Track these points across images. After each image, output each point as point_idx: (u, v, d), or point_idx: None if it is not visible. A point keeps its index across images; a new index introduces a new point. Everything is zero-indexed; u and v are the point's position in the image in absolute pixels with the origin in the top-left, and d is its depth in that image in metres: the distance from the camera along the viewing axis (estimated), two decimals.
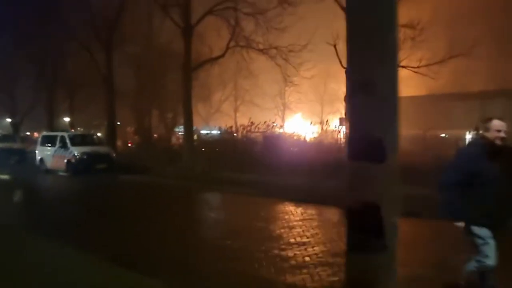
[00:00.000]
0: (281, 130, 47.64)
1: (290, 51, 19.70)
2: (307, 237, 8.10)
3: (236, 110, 50.04)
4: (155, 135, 34.33)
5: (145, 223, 9.76)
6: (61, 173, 20.27)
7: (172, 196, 14.69)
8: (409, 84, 51.89)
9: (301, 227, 9.02)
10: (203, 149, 22.68)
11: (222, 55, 20.42)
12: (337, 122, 51.80)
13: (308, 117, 53.59)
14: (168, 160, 21.78)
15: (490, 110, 46.86)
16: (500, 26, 42.92)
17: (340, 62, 15.04)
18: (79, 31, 24.47)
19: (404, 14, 14.62)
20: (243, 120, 51.04)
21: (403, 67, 14.10)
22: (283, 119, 52.01)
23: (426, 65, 14.21)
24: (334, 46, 14.81)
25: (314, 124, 43.73)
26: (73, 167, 19.38)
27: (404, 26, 14.07)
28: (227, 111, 49.95)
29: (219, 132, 40.23)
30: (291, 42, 19.72)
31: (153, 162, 22.14)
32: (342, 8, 14.37)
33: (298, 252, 7.07)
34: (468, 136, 48.70)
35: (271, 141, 27.84)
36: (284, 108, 52.61)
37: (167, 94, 32.83)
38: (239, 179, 17.10)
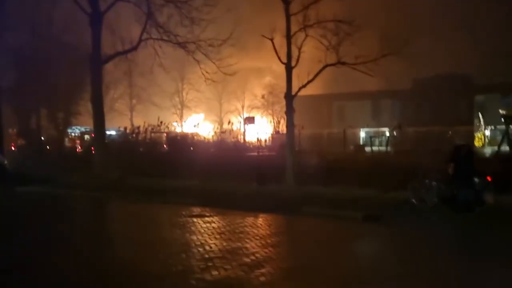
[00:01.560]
0: (180, 130, 46.41)
1: (210, 45, 18.25)
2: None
3: (132, 109, 46.96)
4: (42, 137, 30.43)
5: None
6: None
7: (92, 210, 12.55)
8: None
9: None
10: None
11: (134, 48, 18.32)
12: (236, 120, 51.14)
13: (207, 116, 52.74)
14: (72, 167, 19.09)
15: (380, 109, 50.22)
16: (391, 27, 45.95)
17: (279, 58, 14.09)
18: None
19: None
20: (139, 120, 48.48)
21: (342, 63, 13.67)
22: (181, 118, 50.22)
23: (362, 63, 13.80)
24: (271, 40, 13.82)
25: (213, 123, 42.60)
26: None
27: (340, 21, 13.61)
28: (121, 110, 46.60)
29: (116, 133, 37.48)
30: (214, 35, 18.32)
31: (51, 170, 19.31)
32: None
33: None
34: (362, 133, 51.23)
35: (178, 143, 26.69)
36: (182, 107, 50.83)
37: (57, 92, 29.29)
38: (163, 186, 15.47)
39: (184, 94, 50.08)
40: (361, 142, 48.05)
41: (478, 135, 44.09)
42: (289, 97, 14.30)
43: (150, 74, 46.24)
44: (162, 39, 18.34)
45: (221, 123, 53.71)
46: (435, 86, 45.08)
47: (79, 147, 34.62)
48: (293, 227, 10.18)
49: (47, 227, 9.68)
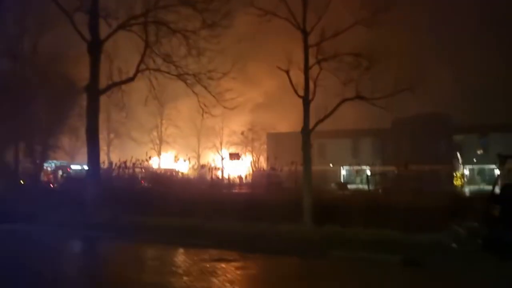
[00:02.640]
0: (158, 166, 45.07)
1: (210, 78, 17.55)
2: None
3: (109, 144, 45.39)
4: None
5: None
6: None
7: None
8: (289, 119, 53.15)
9: None
10: None
11: (132, 79, 17.42)
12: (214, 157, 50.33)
13: (184, 152, 51.59)
14: (61, 202, 17.63)
15: (360, 147, 50.42)
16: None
17: (295, 91, 13.48)
18: None
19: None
20: (115, 155, 46.88)
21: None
22: (159, 154, 48.89)
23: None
24: (287, 72, 13.24)
25: (189, 160, 41.79)
26: None
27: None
28: None
29: None
30: (213, 66, 17.59)
31: (32, 205, 17.84)
32: (301, 29, 12.98)
33: None
34: (343, 171, 51.10)
35: (161, 179, 26.02)
36: (161, 142, 49.62)
37: (37, 123, 27.85)
38: (162, 224, 14.33)
39: (163, 129, 49.00)
40: (342, 180, 47.97)
41: (457, 174, 44.67)
42: (306, 132, 13.66)
43: (128, 108, 45.63)
44: (160, 71, 17.54)
45: (199, 159, 52.95)
46: (415, 125, 45.73)
47: (53, 182, 32.97)
48: (336, 273, 9.14)
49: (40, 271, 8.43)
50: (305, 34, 13.10)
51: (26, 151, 28.44)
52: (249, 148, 53.10)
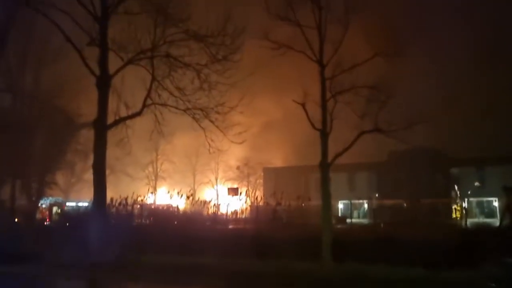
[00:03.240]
0: (154, 202, 44.26)
1: (217, 112, 17.34)
2: None
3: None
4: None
5: None
6: None
7: None
8: (277, 155, 53.00)
9: None
10: None
11: (138, 113, 17.15)
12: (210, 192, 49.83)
13: (178, 187, 50.88)
14: (61, 241, 16.91)
15: (356, 181, 50.25)
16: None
17: (312, 124, 13.28)
18: None
19: None
20: (109, 191, 45.98)
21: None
22: (155, 190, 48.19)
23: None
24: (303, 105, 13.08)
25: (187, 196, 41.03)
26: None
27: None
28: (91, 181, 44.11)
29: (88, 205, 35.01)
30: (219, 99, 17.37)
31: (33, 244, 17.15)
32: (317, 61, 12.88)
33: None
34: (340, 205, 50.70)
35: (161, 216, 25.47)
36: (156, 178, 49.03)
37: (32, 160, 27.29)
38: (176, 264, 13.74)
39: (158, 164, 48.52)
40: (339, 214, 47.46)
41: (456, 207, 44.46)
42: (325, 166, 13.39)
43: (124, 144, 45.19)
44: (168, 105, 17.32)
45: (194, 195, 52.15)
46: (411, 159, 45.77)
47: (47, 219, 32.07)
48: None
49: None
50: (322, 66, 13.04)
51: (22, 188, 27.74)
52: (245, 183, 52.67)
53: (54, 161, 29.04)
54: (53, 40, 25.38)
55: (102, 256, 14.55)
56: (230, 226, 25.21)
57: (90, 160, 38.62)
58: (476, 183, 45.11)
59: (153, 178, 48.23)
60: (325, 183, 13.42)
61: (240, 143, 18.23)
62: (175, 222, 22.26)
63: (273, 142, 51.10)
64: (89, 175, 45.43)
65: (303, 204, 34.39)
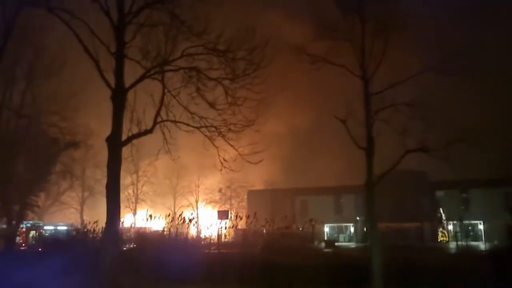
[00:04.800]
0: (133, 225, 42.35)
1: (231, 131, 16.38)
2: None
3: (82, 203, 42.51)
4: None
5: None
6: None
7: None
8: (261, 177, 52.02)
9: None
10: None
11: (150, 131, 15.98)
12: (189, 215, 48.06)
13: (159, 209, 49.15)
14: (47, 268, 15.34)
15: (342, 204, 49.79)
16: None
17: (356, 143, 12.52)
18: None
19: None
20: (87, 214, 43.85)
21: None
22: (135, 212, 46.20)
23: None
24: (344, 122, 12.33)
25: (164, 218, 39.60)
26: None
27: None
28: (68, 202, 42.03)
29: (67, 228, 33.06)
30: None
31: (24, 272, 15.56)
32: (361, 76, 12.18)
33: None
34: (326, 229, 49.92)
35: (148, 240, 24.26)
36: (136, 200, 47.08)
37: (14, 181, 25.44)
38: None
39: (140, 186, 46.70)
40: (325, 237, 46.72)
41: (442, 230, 44.60)
42: (370, 185, 12.60)
43: (103, 165, 43.43)
44: (181, 122, 16.25)
45: (175, 217, 50.39)
46: (394, 182, 45.69)
47: (23, 244, 30.03)
48: None
49: None
50: (366, 81, 12.38)
51: (1, 210, 25.73)
52: (227, 205, 51.39)
53: (37, 182, 27.28)
54: (45, 55, 24.21)
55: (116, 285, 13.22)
56: (218, 251, 24.19)
57: (74, 181, 36.58)
58: (461, 206, 45.43)
59: (133, 200, 46.25)
60: (370, 204, 12.62)
61: (257, 163, 17.25)
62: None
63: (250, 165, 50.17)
64: (65, 197, 43.27)
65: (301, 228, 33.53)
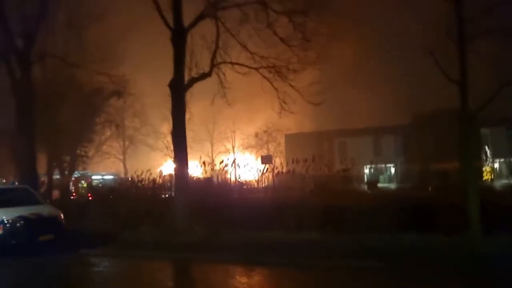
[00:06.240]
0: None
1: (291, 70, 15.53)
2: None
3: (124, 152, 42.95)
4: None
5: None
6: None
7: None
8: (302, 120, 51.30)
9: None
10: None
11: (208, 74, 15.34)
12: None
13: (197, 156, 49.32)
14: (126, 219, 15.30)
15: (382, 145, 48.97)
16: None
17: (447, 76, 11.50)
18: None
19: None
20: (130, 164, 44.34)
21: None
22: (174, 160, 46.50)
23: None
24: (433, 54, 11.28)
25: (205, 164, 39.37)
26: (1, 242, 11.77)
27: None
28: (110, 152, 42.38)
29: (113, 177, 33.42)
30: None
31: (95, 221, 15.64)
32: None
33: None
34: (366, 170, 49.61)
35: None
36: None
37: (63, 132, 25.43)
38: (274, 241, 12.19)
39: None
40: (365, 179, 46.35)
41: (486, 169, 43.52)
42: (464, 121, 11.76)
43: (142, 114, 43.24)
44: (239, 64, 15.52)
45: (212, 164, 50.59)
46: (437, 120, 44.38)
47: (74, 193, 30.47)
48: None
49: None
50: (459, 3, 11.15)
51: (55, 162, 26.00)
52: (264, 150, 51.12)
53: (84, 133, 27.34)
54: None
55: (186, 234, 13.05)
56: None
57: (116, 131, 36.63)
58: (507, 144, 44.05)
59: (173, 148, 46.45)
60: (465, 139, 11.77)
61: (319, 104, 16.53)
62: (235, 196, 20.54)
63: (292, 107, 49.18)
64: (106, 147, 43.59)
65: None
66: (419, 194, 20.35)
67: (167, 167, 43.84)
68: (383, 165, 47.53)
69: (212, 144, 51.22)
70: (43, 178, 24.49)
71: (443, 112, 44.13)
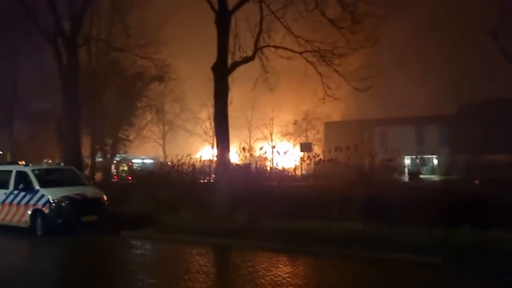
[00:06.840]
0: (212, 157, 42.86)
1: (336, 54, 14.98)
2: None
3: (164, 137, 43.53)
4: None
5: None
6: (20, 233, 12.66)
7: None
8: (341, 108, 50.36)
9: None
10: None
11: (252, 58, 15.03)
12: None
13: (235, 142, 49.39)
14: (166, 203, 15.25)
15: (425, 135, 47.49)
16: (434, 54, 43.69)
17: (509, 58, 10.83)
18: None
19: None
20: (168, 148, 44.91)
21: None
22: (213, 146, 46.80)
23: None
24: (495, 35, 10.57)
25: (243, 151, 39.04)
26: (47, 221, 12.04)
27: None
28: (150, 136, 42.97)
29: (153, 161, 33.77)
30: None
31: (136, 204, 15.72)
32: None
33: None
34: (407, 161, 48.38)
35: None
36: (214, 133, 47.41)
37: (106, 116, 25.85)
38: (324, 231, 11.77)
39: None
40: (406, 170, 45.07)
41: None
42: None
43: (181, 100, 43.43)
44: (282, 47, 15.14)
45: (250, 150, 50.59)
46: (483, 110, 42.55)
47: (115, 176, 30.95)
48: None
49: None
50: None
51: (97, 145, 26.53)
52: (303, 138, 50.58)
53: (126, 117, 27.74)
54: None
55: (228, 220, 12.88)
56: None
57: (156, 115, 36.90)
58: None
59: (211, 134, 46.60)
60: None
61: (365, 90, 15.94)
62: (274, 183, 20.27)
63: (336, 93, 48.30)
64: (146, 131, 44.08)
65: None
66: (467, 188, 19.49)
67: (205, 153, 44.30)
68: (425, 156, 46.03)
69: (250, 131, 51.08)
70: (87, 161, 25.05)
71: (493, 101, 42.34)
